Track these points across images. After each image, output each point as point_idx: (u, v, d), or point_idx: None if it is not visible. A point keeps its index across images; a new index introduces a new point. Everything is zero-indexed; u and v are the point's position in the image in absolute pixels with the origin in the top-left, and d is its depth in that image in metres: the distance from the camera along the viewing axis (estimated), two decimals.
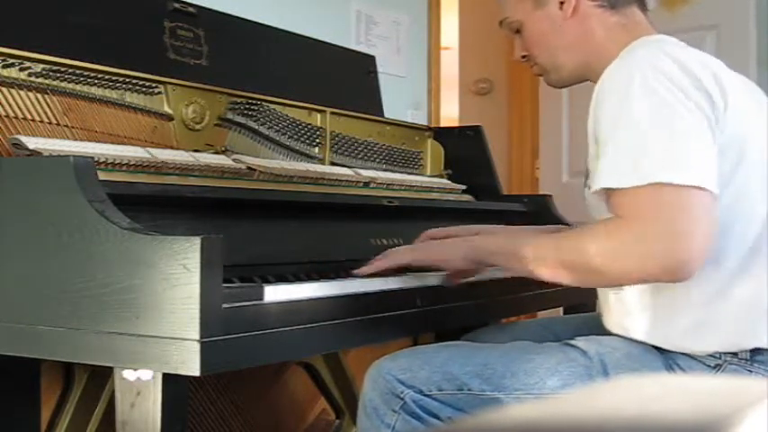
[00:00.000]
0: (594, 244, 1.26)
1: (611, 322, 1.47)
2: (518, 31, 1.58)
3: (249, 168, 1.75)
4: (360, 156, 2.18)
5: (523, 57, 1.60)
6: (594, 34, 1.50)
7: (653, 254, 1.20)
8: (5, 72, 1.48)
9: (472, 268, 1.53)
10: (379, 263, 1.54)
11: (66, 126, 1.57)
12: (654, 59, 1.32)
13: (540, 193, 3.01)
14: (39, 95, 1.53)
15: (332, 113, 2.11)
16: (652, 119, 1.26)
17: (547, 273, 1.33)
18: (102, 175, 1.30)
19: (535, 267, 1.34)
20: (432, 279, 1.60)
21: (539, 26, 1.54)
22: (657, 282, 1.30)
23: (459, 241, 1.51)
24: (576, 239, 1.31)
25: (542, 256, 1.33)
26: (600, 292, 1.52)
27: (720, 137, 1.29)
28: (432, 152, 2.41)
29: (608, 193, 1.28)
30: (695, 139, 1.25)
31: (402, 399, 1.39)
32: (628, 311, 1.42)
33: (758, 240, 1.33)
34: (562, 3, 1.50)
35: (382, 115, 2.38)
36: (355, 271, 1.55)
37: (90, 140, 1.57)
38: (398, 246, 1.63)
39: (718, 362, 1.34)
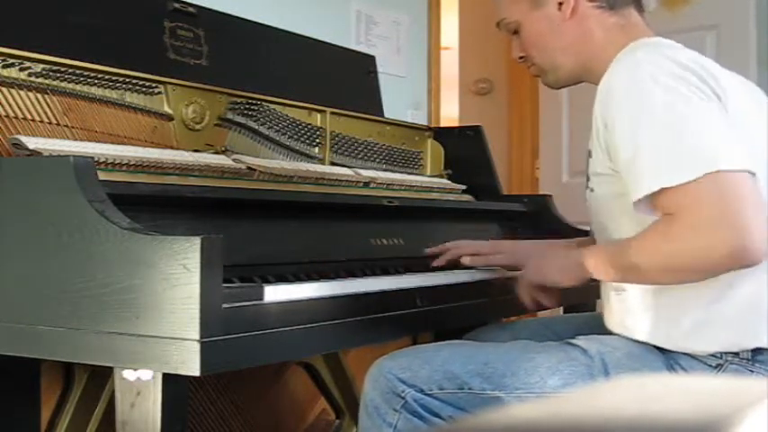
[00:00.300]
0: (663, 247, 1.25)
1: (612, 322, 1.47)
2: (516, 32, 1.57)
3: (249, 168, 1.75)
4: (360, 156, 2.18)
5: (521, 58, 1.59)
6: (593, 35, 1.49)
7: (720, 244, 1.20)
8: (5, 72, 1.48)
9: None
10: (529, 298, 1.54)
11: (67, 126, 1.56)
12: (656, 60, 1.32)
13: (540, 193, 3.01)
14: (39, 95, 1.52)
15: (332, 113, 2.11)
16: (680, 113, 1.25)
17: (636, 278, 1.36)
18: (102, 175, 1.30)
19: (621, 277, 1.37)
20: (432, 279, 1.59)
21: (537, 27, 1.53)
22: (724, 271, 1.26)
23: (563, 262, 1.49)
24: (640, 245, 1.29)
25: (633, 266, 1.32)
26: (601, 291, 1.52)
27: None
28: (432, 152, 2.41)
29: (657, 194, 1.24)
30: (725, 126, 1.26)
31: (403, 398, 1.39)
32: (629, 311, 1.42)
33: None
34: (561, 3, 1.50)
35: (382, 115, 2.37)
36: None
37: (90, 140, 1.57)
38: (398, 245, 1.62)
39: (719, 362, 1.34)
